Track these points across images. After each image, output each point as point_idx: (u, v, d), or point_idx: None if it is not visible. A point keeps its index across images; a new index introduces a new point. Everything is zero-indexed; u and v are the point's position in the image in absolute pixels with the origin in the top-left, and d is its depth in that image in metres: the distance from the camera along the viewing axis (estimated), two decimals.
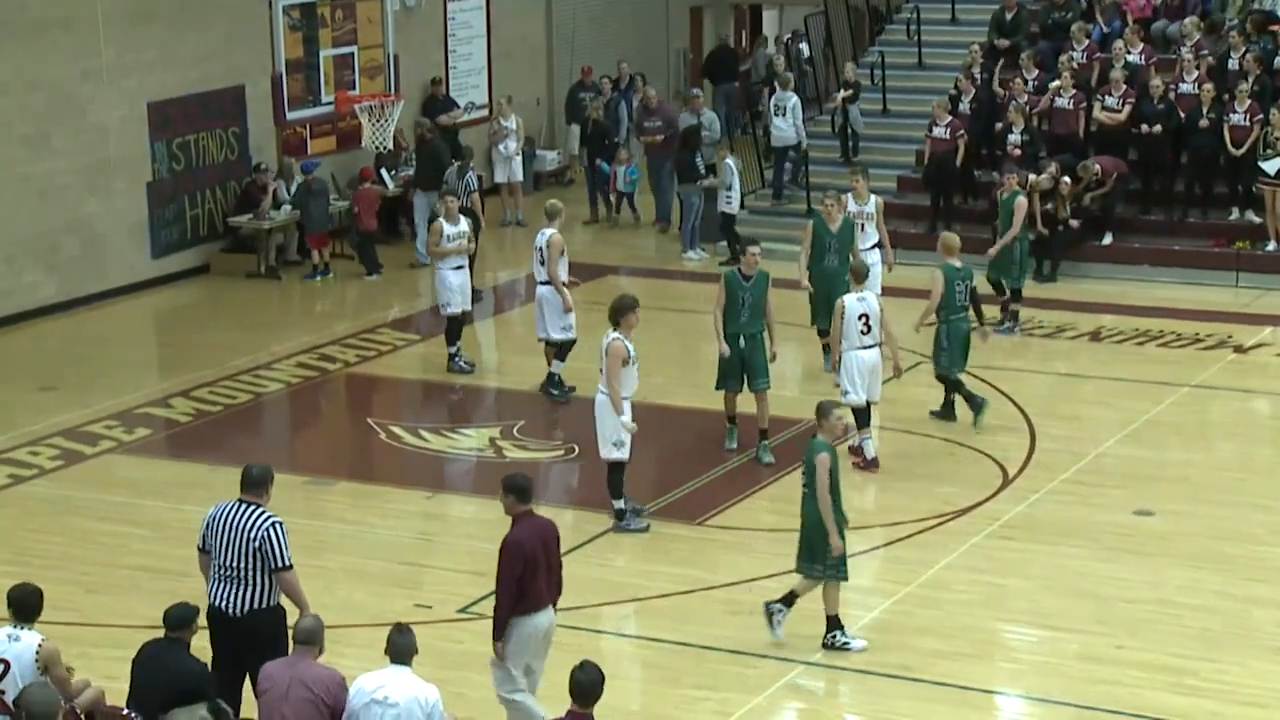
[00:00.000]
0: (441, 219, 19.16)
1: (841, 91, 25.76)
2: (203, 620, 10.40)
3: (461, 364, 19.28)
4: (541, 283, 18.26)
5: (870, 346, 16.39)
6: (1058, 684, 12.22)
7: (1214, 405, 18.43)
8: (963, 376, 17.49)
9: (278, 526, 10.76)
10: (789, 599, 12.72)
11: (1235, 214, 23.12)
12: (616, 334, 14.68)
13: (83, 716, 10.12)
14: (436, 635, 12.53)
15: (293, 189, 23.80)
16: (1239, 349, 19.95)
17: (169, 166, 23.32)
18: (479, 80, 28.73)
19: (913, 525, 14.93)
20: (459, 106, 27.47)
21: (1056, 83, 23.80)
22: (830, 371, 17.81)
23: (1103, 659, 12.52)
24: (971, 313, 17.49)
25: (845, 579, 12.65)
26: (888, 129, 26.14)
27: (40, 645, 9.98)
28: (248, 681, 10.47)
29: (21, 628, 10.06)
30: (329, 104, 25.48)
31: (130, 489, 16.25)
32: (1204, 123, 22.68)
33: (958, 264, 17.43)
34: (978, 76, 24.84)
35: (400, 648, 9.73)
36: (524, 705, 10.94)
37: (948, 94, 24.69)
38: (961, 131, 23.71)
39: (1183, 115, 22.99)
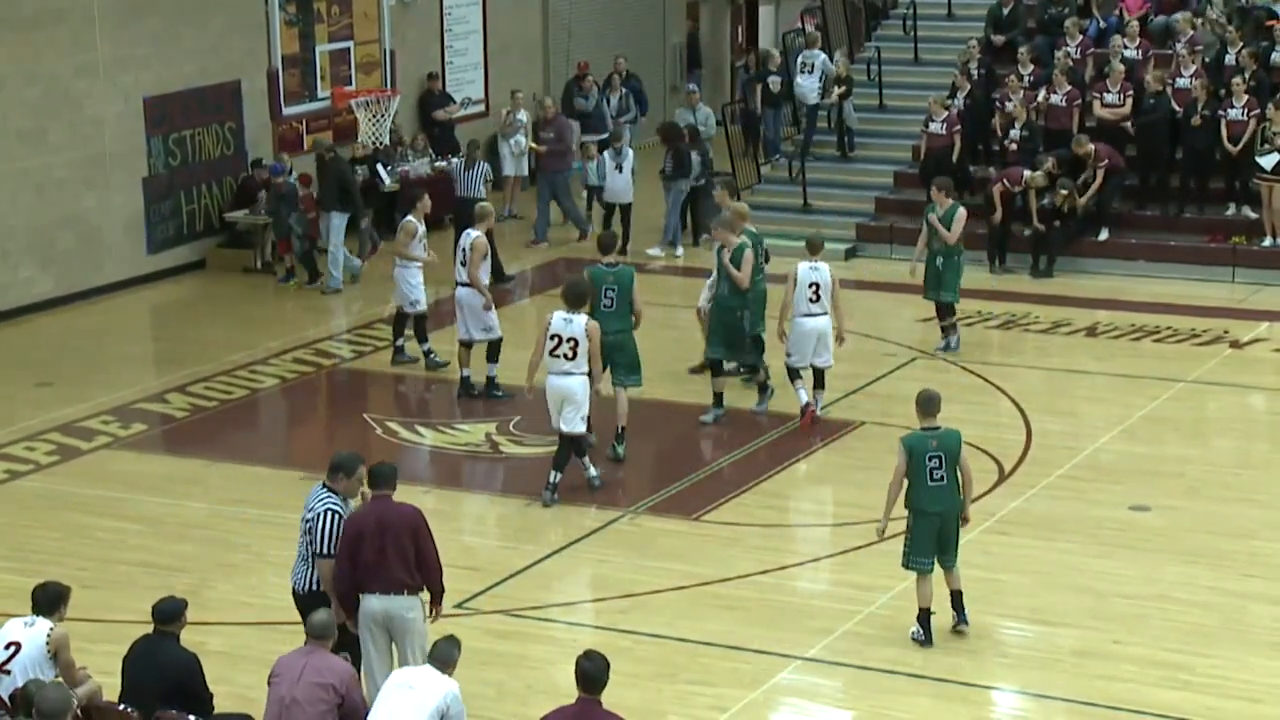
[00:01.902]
0: (412, 218, 19.00)
1: (836, 88, 25.76)
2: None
3: (437, 359, 19.23)
4: (460, 284, 18.18)
5: (819, 315, 17.10)
6: (1053, 679, 12.23)
7: (1210, 401, 18.43)
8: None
9: (331, 515, 11.04)
10: (956, 601, 12.78)
11: (1232, 209, 23.12)
12: (586, 315, 15.25)
13: (78, 710, 10.15)
14: (431, 631, 12.49)
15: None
16: (1235, 344, 19.95)
17: (165, 162, 23.30)
18: (475, 75, 28.72)
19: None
20: (455, 102, 27.48)
21: (1041, 95, 23.78)
22: (709, 423, 17.37)
23: (1098, 654, 12.53)
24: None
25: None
26: (884, 124, 26.14)
27: (51, 630, 10.26)
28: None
29: (39, 616, 10.35)
30: (325, 99, 25.46)
31: (126, 484, 16.24)
32: (1196, 119, 22.68)
33: (753, 228, 17.92)
34: (974, 72, 24.84)
35: (441, 654, 9.95)
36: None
37: (945, 89, 24.72)
38: (958, 127, 23.71)
39: (1178, 109, 22.98)
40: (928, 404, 12.74)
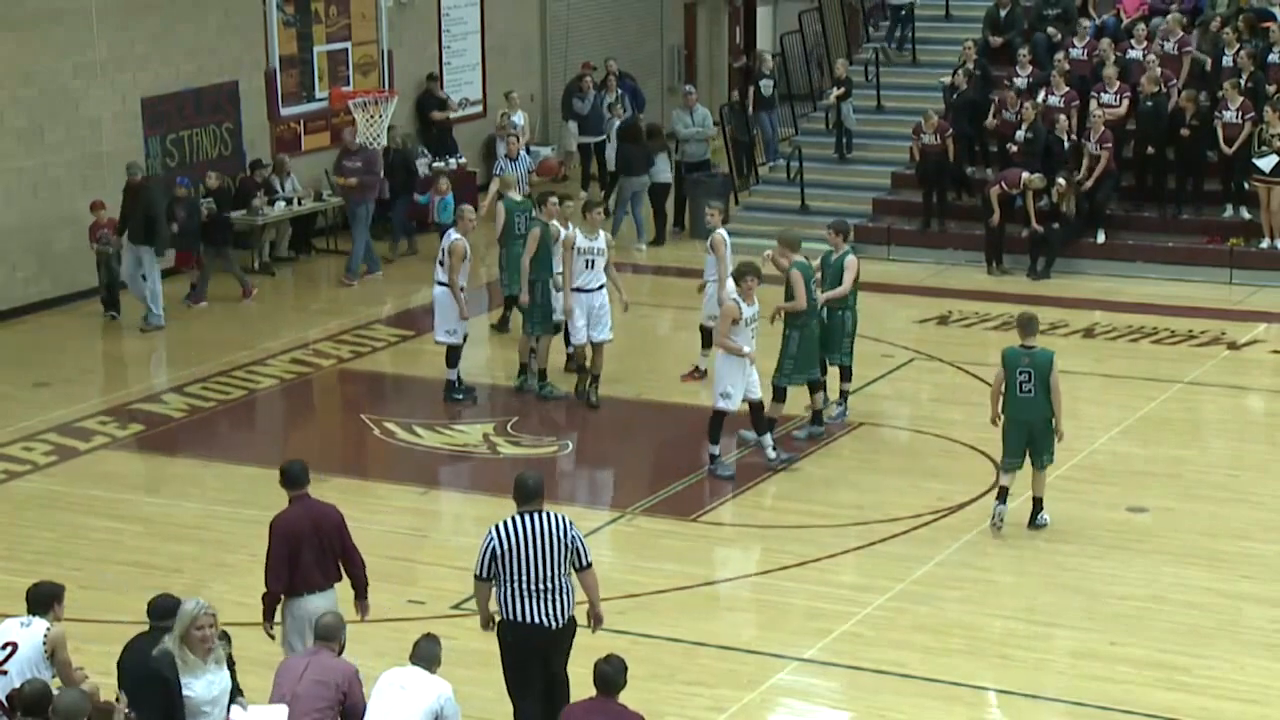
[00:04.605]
0: (574, 228, 18.10)
1: (835, 89, 25.77)
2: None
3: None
4: (439, 283, 18.09)
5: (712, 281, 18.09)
6: (1050, 680, 12.25)
7: (1207, 402, 18.45)
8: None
9: (576, 525, 10.86)
10: (1003, 496, 14.59)
11: (1229, 211, 23.08)
12: (734, 295, 15.91)
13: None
14: (413, 629, 12.49)
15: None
16: (1232, 345, 19.96)
17: (163, 162, 23.29)
18: (473, 76, 28.72)
19: (907, 521, 14.96)
20: (452, 100, 27.46)
21: (1040, 96, 23.77)
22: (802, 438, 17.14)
23: (1095, 655, 12.54)
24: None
25: (1052, 461, 14.65)
26: (882, 125, 26.14)
27: (48, 630, 10.25)
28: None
29: (34, 616, 10.34)
30: (323, 100, 25.46)
31: (123, 485, 16.25)
32: (1185, 131, 22.70)
33: (516, 195, 19.67)
34: (972, 73, 24.83)
35: (425, 653, 10.00)
36: None
37: (940, 92, 24.74)
38: (950, 130, 23.71)
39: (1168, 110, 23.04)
40: (1028, 324, 14.54)
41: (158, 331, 21.00)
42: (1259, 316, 21.06)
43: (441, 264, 18.03)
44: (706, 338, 18.27)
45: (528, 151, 24.06)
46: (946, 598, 13.48)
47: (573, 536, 10.71)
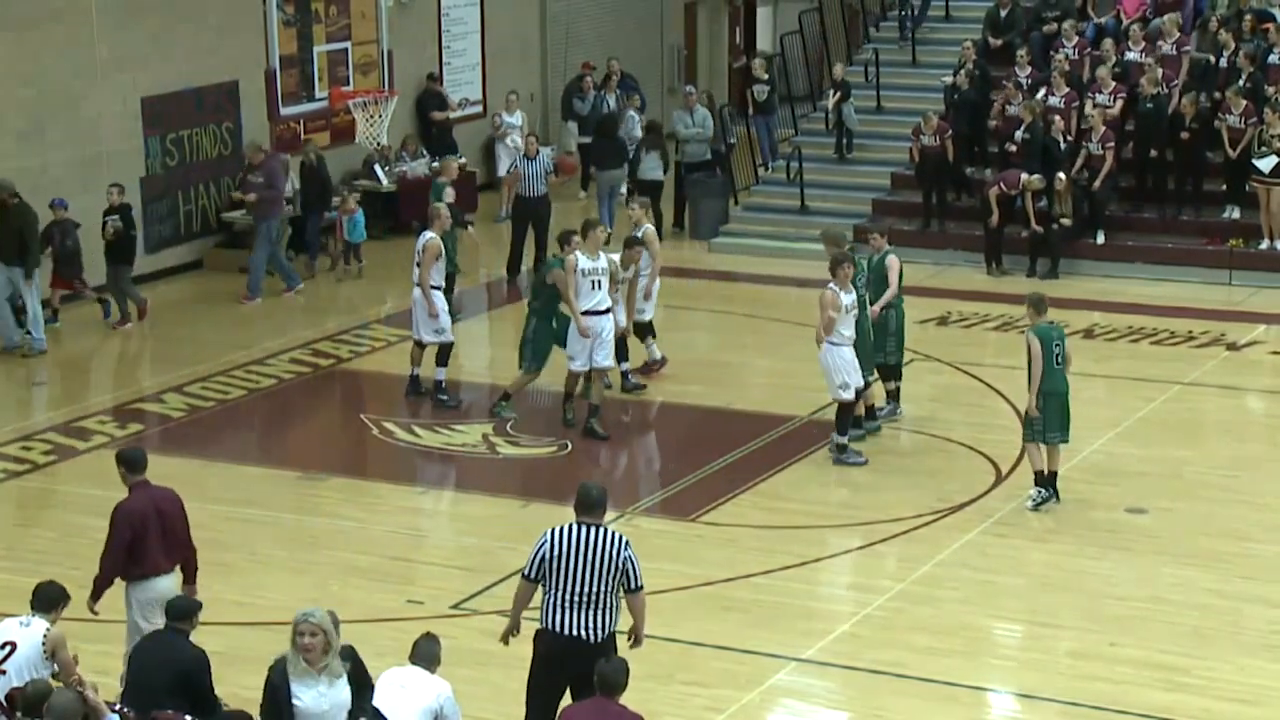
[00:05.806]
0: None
1: (833, 93, 25.75)
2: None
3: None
4: (417, 284, 18.01)
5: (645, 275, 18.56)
6: (1049, 681, 12.24)
7: (1207, 403, 18.44)
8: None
9: (631, 546, 10.52)
10: (1051, 480, 15.00)
11: (1233, 212, 23.00)
12: (832, 284, 15.80)
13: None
14: (412, 629, 12.49)
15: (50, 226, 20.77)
16: (1232, 346, 19.96)
17: (163, 162, 23.29)
18: (473, 76, 28.73)
19: (906, 522, 14.95)
20: (450, 98, 27.47)
21: (1040, 96, 23.77)
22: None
23: (1094, 656, 12.54)
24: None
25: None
26: (882, 126, 26.14)
27: (47, 630, 10.28)
28: None
29: (35, 615, 10.39)
30: (323, 100, 25.46)
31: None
32: (1185, 134, 22.71)
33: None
34: (972, 73, 24.83)
35: (424, 653, 9.99)
36: None
37: (940, 94, 24.74)
38: (949, 132, 23.72)
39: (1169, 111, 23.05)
40: (1040, 302, 15.13)
41: (42, 355, 19.93)
42: (1258, 318, 21.06)
43: (418, 264, 17.98)
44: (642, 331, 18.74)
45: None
46: (946, 598, 13.47)
47: (625, 557, 10.38)
